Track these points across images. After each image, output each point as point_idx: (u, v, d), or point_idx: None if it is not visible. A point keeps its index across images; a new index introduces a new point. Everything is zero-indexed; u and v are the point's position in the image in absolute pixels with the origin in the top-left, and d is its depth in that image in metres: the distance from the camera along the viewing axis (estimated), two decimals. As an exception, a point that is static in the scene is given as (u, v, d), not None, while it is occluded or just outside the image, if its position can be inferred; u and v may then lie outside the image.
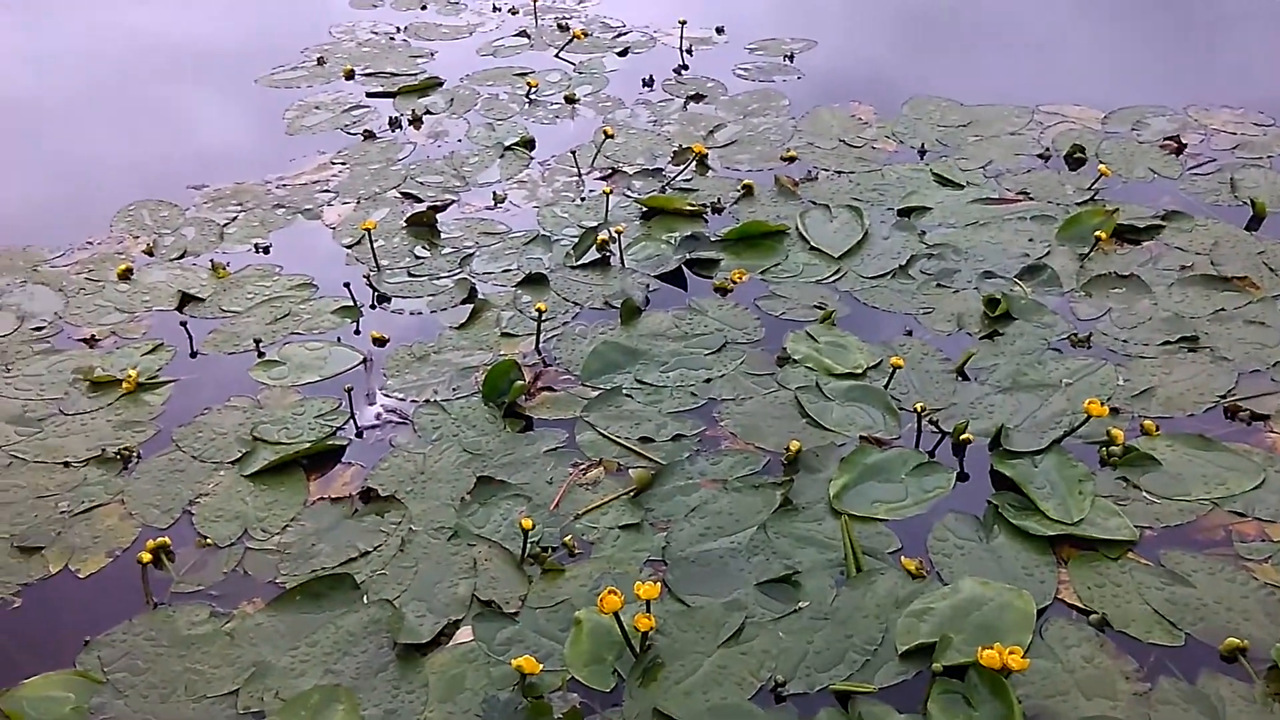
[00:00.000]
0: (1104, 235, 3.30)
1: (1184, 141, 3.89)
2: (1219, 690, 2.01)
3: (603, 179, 3.94)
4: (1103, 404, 2.54)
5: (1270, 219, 3.43)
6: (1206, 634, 2.12)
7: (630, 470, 2.59)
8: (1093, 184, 3.66)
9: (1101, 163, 3.74)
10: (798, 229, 3.53)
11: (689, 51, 5.01)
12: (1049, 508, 2.40)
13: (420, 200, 3.86)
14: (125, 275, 3.47)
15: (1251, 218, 3.45)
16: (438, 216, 3.71)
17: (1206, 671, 2.05)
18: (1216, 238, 3.34)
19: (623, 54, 5.05)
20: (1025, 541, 2.35)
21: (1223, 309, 3.02)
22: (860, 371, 2.87)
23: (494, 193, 3.88)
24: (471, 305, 3.24)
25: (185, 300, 3.36)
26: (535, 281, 3.35)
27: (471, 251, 3.54)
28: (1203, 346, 2.89)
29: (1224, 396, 2.71)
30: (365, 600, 2.32)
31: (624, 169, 3.99)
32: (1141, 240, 3.37)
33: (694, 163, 3.97)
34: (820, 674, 2.10)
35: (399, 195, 3.90)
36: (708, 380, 2.89)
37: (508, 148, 4.18)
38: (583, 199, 3.82)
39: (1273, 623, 2.13)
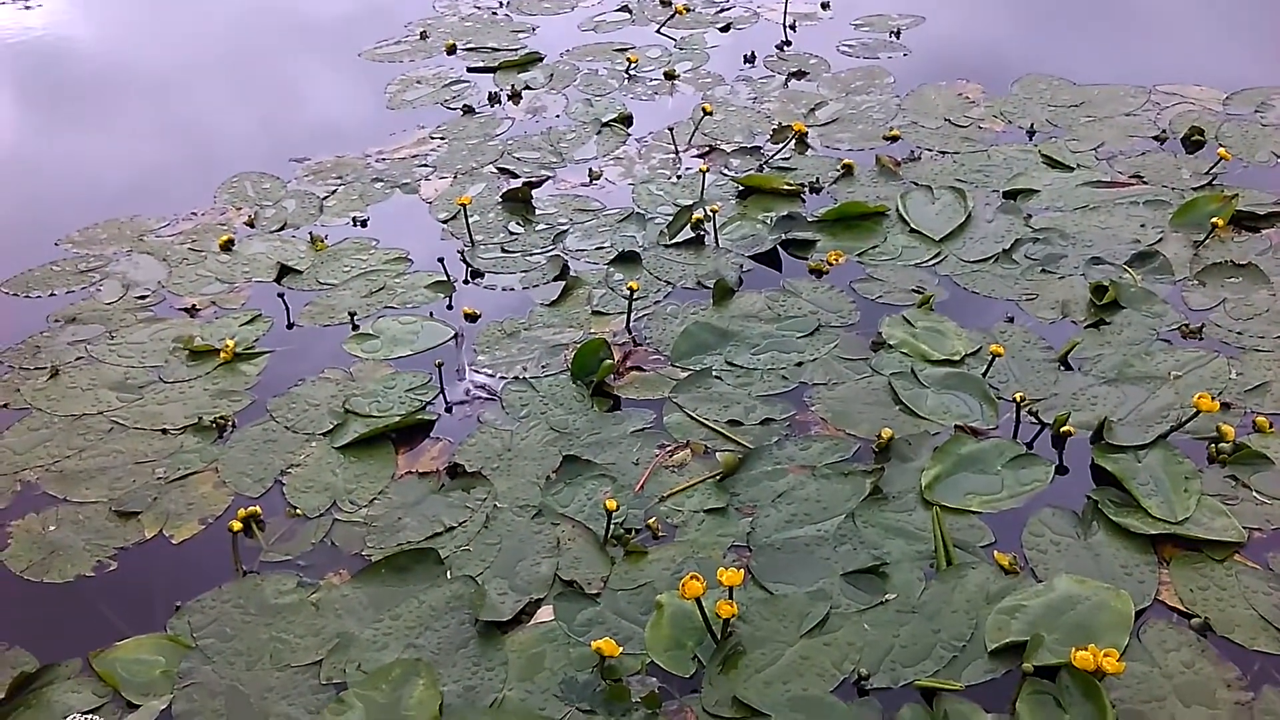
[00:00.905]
0: (1221, 222, 3.16)
1: (1312, 124, 3.71)
2: (1329, 704, 1.92)
3: (699, 157, 3.90)
4: (1213, 398, 2.44)
5: (1404, 207, 3.25)
6: (1316, 644, 2.02)
7: (717, 453, 2.56)
8: (1211, 168, 3.50)
9: (1221, 146, 3.58)
10: (898, 210, 3.44)
11: (792, 27, 4.93)
12: (1152, 505, 2.30)
13: (516, 176, 3.86)
14: (227, 246, 3.54)
15: (1385, 206, 3.27)
16: (533, 193, 3.71)
17: (1315, 683, 1.96)
18: (1344, 226, 3.18)
19: (725, 29, 4.99)
20: (1125, 539, 2.26)
21: (1348, 302, 2.87)
22: (958, 359, 2.79)
23: (590, 169, 3.87)
24: (563, 282, 3.24)
25: (284, 272, 3.42)
26: (628, 260, 3.32)
27: (565, 228, 3.53)
28: (1324, 341, 2.75)
29: (1346, 394, 2.58)
30: (449, 576, 2.33)
31: (721, 147, 3.95)
32: (1261, 228, 3.22)
33: (793, 141, 3.90)
34: (905, 669, 2.04)
35: (495, 171, 3.91)
36: (799, 364, 2.84)
37: (605, 124, 4.16)
38: (679, 177, 3.78)
39: (1391, 636, 2.02)
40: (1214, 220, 3.16)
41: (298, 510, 2.52)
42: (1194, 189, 3.42)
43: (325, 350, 3.06)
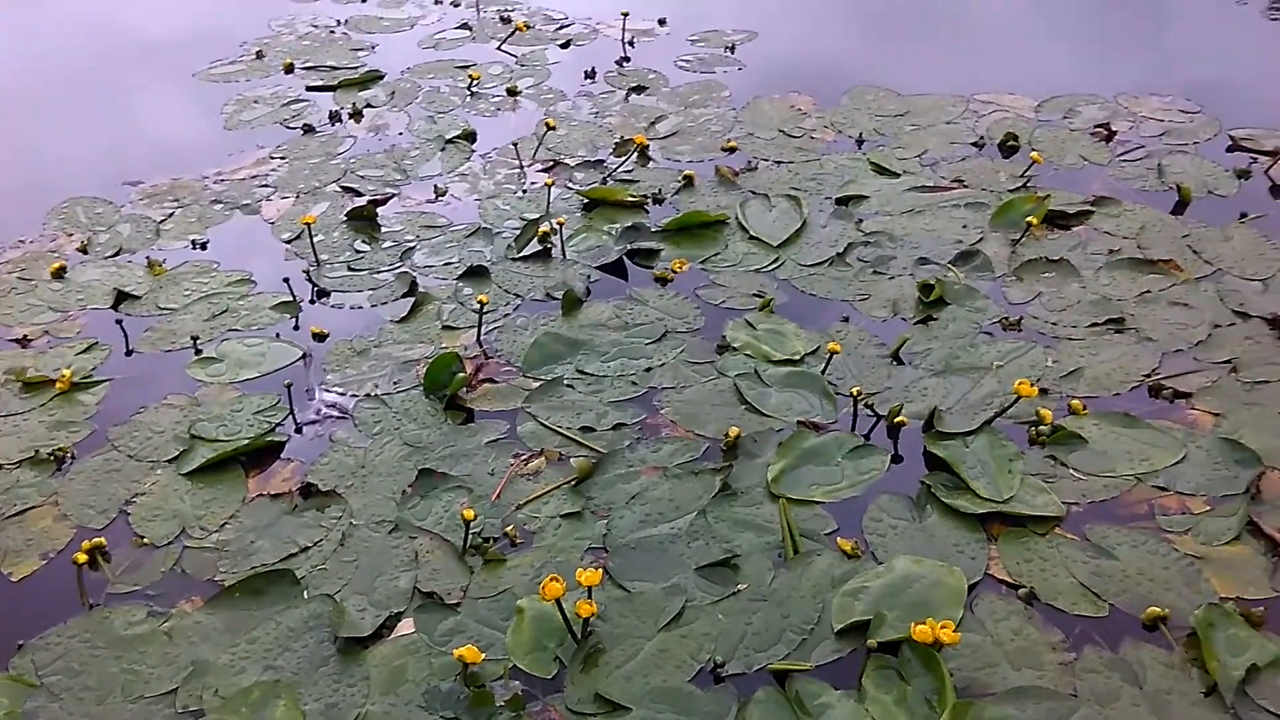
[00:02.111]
0: (1035, 221, 3.37)
1: (1114, 129, 3.97)
2: (1141, 658, 2.08)
3: (544, 171, 3.96)
4: (1032, 385, 2.62)
5: (1195, 204, 3.52)
6: (1129, 604, 2.19)
7: (572, 459, 2.62)
8: (1025, 171, 3.73)
9: (1034, 150, 3.81)
10: (737, 219, 3.57)
11: (631, 44, 5.03)
12: (980, 486, 2.45)
13: (360, 194, 3.86)
14: (59, 274, 3.44)
15: (1177, 203, 3.53)
16: (378, 210, 3.71)
17: (1129, 640, 2.12)
18: (1143, 222, 3.42)
19: (565, 46, 5.06)
20: (957, 520, 2.40)
21: (1148, 291, 3.10)
22: (798, 358, 2.92)
23: (435, 186, 3.88)
24: (413, 299, 3.25)
25: (121, 298, 3.34)
26: (477, 274, 3.36)
27: (412, 245, 3.55)
28: (1128, 328, 2.96)
29: (1148, 376, 2.79)
30: (306, 596, 2.33)
31: (566, 161, 4.01)
32: (1071, 225, 3.45)
33: (635, 154, 3.99)
34: (758, 654, 2.14)
35: (339, 189, 3.90)
36: (648, 369, 2.92)
37: (449, 141, 4.18)
38: (524, 191, 3.83)
39: (1192, 592, 2.20)
40: (1029, 220, 3.36)
41: (145, 539, 2.48)
42: (1010, 191, 3.63)
43: (168, 376, 3.01)
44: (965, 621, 2.16)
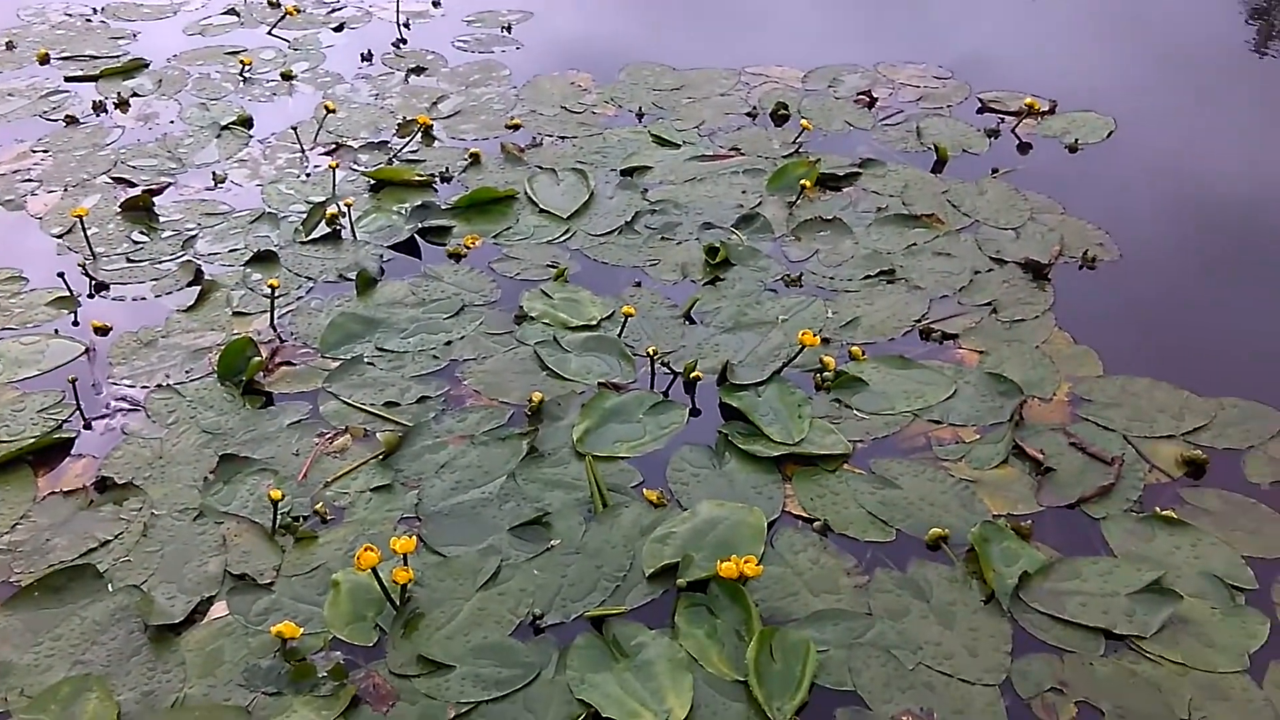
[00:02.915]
0: (809, 184, 3.56)
1: (875, 96, 4.22)
2: (926, 575, 2.25)
3: (327, 154, 3.91)
4: (815, 335, 2.79)
5: (951, 162, 3.78)
6: (914, 528, 2.37)
7: (378, 434, 2.62)
8: (796, 138, 3.92)
9: (803, 118, 4.01)
10: (526, 193, 3.62)
11: (406, 25, 5.00)
12: (773, 432, 2.59)
13: (134, 184, 3.72)
14: None
15: (936, 161, 3.79)
16: (155, 200, 3.59)
17: (915, 560, 2.30)
18: (906, 181, 3.65)
19: (338, 29, 4.99)
20: (753, 464, 2.54)
21: (914, 244, 3.32)
22: (595, 323, 3.00)
23: (213, 173, 3.78)
24: (199, 287, 3.17)
25: (-123, 303, 3.13)
26: (265, 259, 3.30)
27: (194, 233, 3.45)
28: (899, 278, 3.17)
29: (919, 321, 3.00)
30: (110, 588, 2.27)
31: (349, 143, 3.98)
32: (842, 187, 3.65)
33: (419, 134, 3.99)
34: (575, 604, 2.21)
35: (110, 180, 3.75)
36: (448, 343, 2.95)
37: (224, 127, 4.07)
38: (308, 175, 3.78)
39: (968, 512, 2.40)
40: (802, 183, 3.55)
41: (-72, 548, 2.36)
42: (784, 157, 3.81)
43: (-62, 380, 2.85)
44: (767, 556, 2.29)
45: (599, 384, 2.78)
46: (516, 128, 4.08)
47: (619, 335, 2.95)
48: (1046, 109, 4.07)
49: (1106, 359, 2.82)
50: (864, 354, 2.87)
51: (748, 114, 4.15)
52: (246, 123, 4.12)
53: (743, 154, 3.86)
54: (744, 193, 3.62)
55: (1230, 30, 4.93)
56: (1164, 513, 2.36)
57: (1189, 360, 2.85)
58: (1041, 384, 2.75)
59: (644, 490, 2.47)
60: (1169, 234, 3.42)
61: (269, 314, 3.03)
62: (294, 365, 2.88)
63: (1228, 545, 2.30)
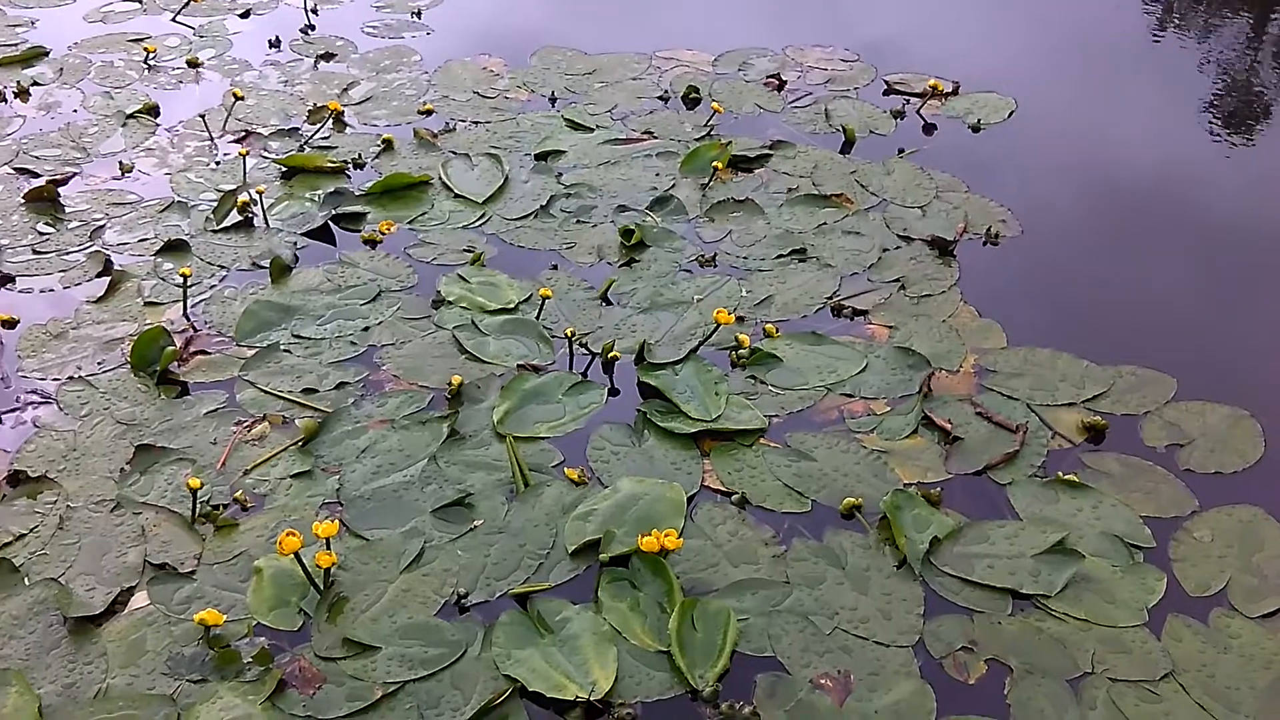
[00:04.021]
0: (721, 166, 3.61)
1: (784, 79, 4.28)
2: (841, 543, 2.32)
3: (237, 142, 3.87)
4: (730, 314, 2.84)
5: (859, 143, 3.86)
6: (828, 498, 2.43)
7: (297, 421, 2.62)
8: (708, 121, 3.97)
9: (714, 101, 4.06)
10: (441, 179, 3.62)
11: (314, 11, 4.95)
12: (690, 409, 2.64)
13: (37, 175, 3.64)
14: None
15: (844, 143, 3.87)
16: (60, 190, 3.52)
17: (830, 529, 2.36)
18: (816, 162, 3.72)
19: (244, 16, 4.92)
20: (672, 440, 2.59)
21: (825, 223, 3.39)
22: (513, 306, 3.02)
23: (120, 162, 3.72)
24: (109, 278, 3.12)
25: None
26: (176, 248, 3.26)
27: (102, 223, 3.40)
28: (810, 257, 3.24)
29: (830, 298, 3.07)
30: (27, 582, 2.24)
31: (258, 130, 3.93)
32: (753, 168, 3.71)
33: (330, 121, 3.96)
34: (499, 582, 2.24)
35: (12, 171, 3.66)
36: (366, 329, 2.95)
37: (130, 116, 4.00)
38: (217, 163, 3.74)
39: (880, 481, 2.47)
40: (715, 165, 3.60)
41: None
42: (696, 140, 3.86)
43: None
44: (687, 530, 2.34)
45: (518, 366, 2.81)
46: (429, 113, 4.07)
47: (537, 318, 2.97)
48: (950, 90, 4.17)
49: (1010, 331, 2.92)
50: (778, 331, 2.93)
51: (660, 98, 4.19)
52: (153, 111, 4.05)
53: (655, 137, 3.90)
54: (657, 175, 3.66)
55: (1129, 13, 5.09)
56: (1066, 477, 2.46)
57: (1089, 331, 2.95)
58: (948, 357, 2.83)
59: (565, 469, 2.50)
60: (1068, 210, 3.54)
61: (182, 303, 3.00)
62: (209, 354, 2.86)
63: (1127, 506, 2.40)
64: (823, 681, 2.04)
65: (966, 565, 2.26)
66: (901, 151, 3.79)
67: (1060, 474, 2.47)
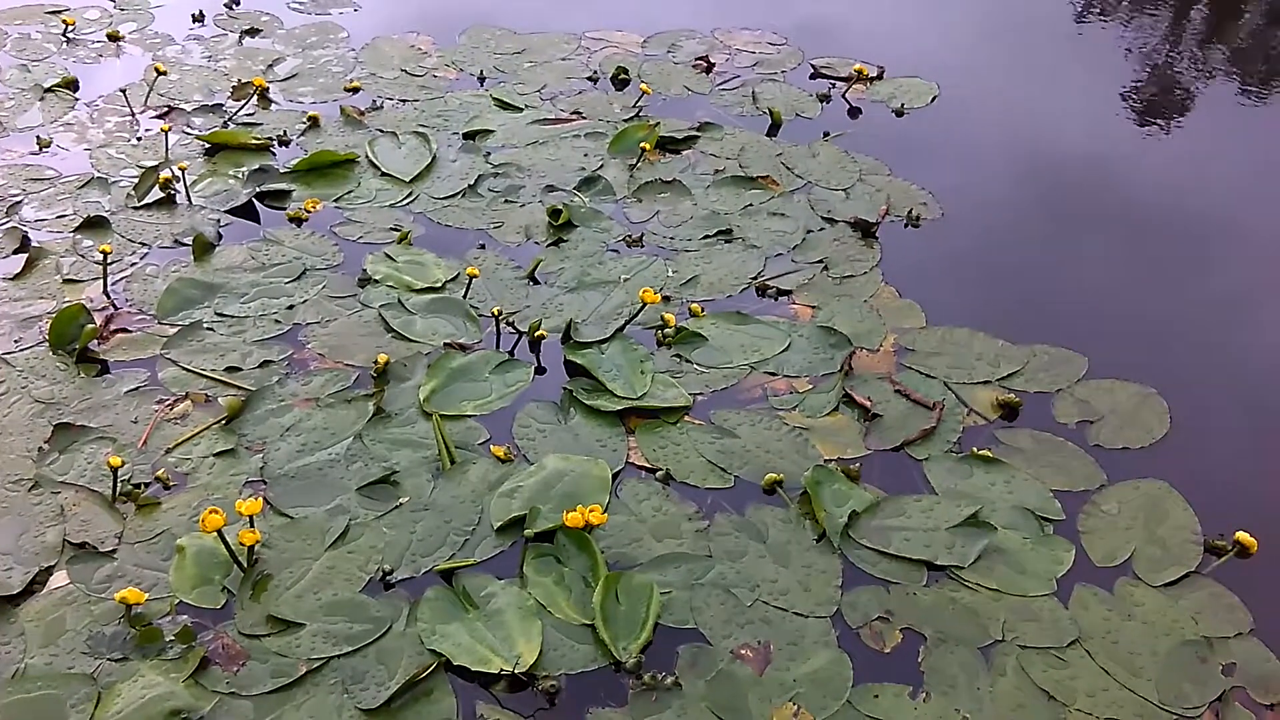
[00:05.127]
0: (649, 147, 3.63)
1: (712, 61, 4.31)
2: (763, 518, 2.37)
3: (159, 117, 3.81)
4: (656, 293, 2.86)
5: (785, 126, 3.91)
6: (751, 474, 2.48)
7: (220, 399, 2.60)
8: (636, 102, 3.99)
9: (643, 83, 4.08)
10: (367, 157, 3.60)
11: (239, -15, 4.87)
12: (616, 387, 2.67)
13: (-50, 149, 3.57)
14: None
15: (771, 125, 3.91)
16: (-26, 165, 3.45)
17: (753, 504, 2.41)
18: (743, 144, 3.76)
19: (167, -11, 4.83)
20: (598, 418, 2.61)
21: (750, 204, 3.43)
22: (439, 285, 3.02)
23: (38, 137, 3.64)
24: (25, 255, 3.07)
25: None
26: (96, 225, 3.21)
27: (19, 199, 3.33)
28: (736, 237, 3.28)
29: (755, 278, 3.11)
30: (-61, 564, 2.21)
31: (181, 106, 3.88)
32: (681, 150, 3.74)
33: (255, 97, 3.92)
34: (425, 558, 2.25)
35: (-77, 146, 3.59)
36: (291, 307, 2.93)
37: (48, 89, 3.92)
38: (139, 139, 3.68)
39: (802, 458, 2.52)
40: (643, 146, 3.62)
41: None
42: (624, 121, 3.88)
43: None
44: (612, 506, 2.37)
45: (445, 345, 2.81)
46: (356, 91, 4.04)
47: (464, 296, 2.98)
48: (875, 75, 4.23)
49: (929, 311, 2.98)
50: (703, 311, 2.96)
51: (588, 78, 4.19)
52: (72, 85, 3.98)
53: (584, 118, 3.91)
54: (586, 156, 3.68)
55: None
56: (981, 452, 2.53)
57: (1005, 311, 3.03)
58: (869, 336, 2.89)
59: (491, 446, 2.52)
60: (989, 193, 3.61)
61: (102, 281, 2.96)
62: (130, 332, 2.83)
63: (1038, 480, 2.48)
64: (743, 652, 2.08)
65: (884, 538, 2.31)
66: (827, 135, 3.84)
67: (975, 450, 2.54)
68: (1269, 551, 2.30)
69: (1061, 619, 2.17)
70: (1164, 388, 2.74)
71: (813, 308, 3.00)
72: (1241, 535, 2.30)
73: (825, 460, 2.52)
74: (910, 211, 3.40)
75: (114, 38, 4.35)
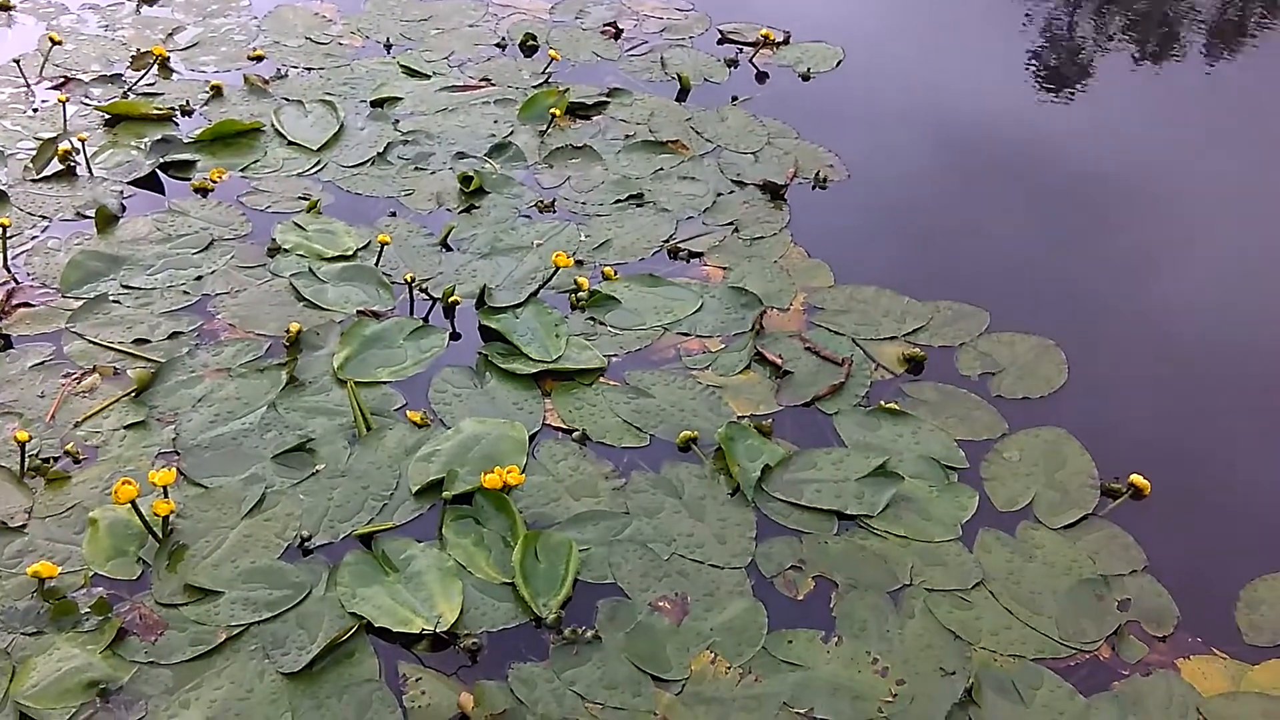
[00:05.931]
0: (559, 113, 3.64)
1: (620, 27, 4.33)
2: (679, 474, 2.41)
3: (56, 88, 3.71)
4: (569, 258, 2.88)
5: (694, 90, 3.95)
6: (666, 432, 2.52)
7: (129, 372, 2.57)
8: (545, 69, 3.99)
9: (551, 49, 4.08)
10: (273, 126, 3.56)
11: (134, -47, 4.75)
12: (531, 350, 2.69)
13: None
14: None
15: (679, 90, 3.94)
16: None
17: (668, 461, 2.45)
18: (652, 109, 3.79)
19: (59, -44, 4.69)
20: (514, 381, 2.63)
21: (661, 169, 3.47)
22: (351, 253, 3.01)
23: (-73, 109, 3.55)
24: (-81, 230, 2.99)
25: None
26: (-8, 199, 3.15)
27: (-90, 173, 3.24)
28: (647, 201, 3.31)
29: (667, 241, 3.15)
30: None
31: (79, 77, 3.79)
32: (591, 115, 3.76)
33: (155, 66, 3.84)
34: (343, 524, 2.26)
35: None
36: (199, 278, 2.90)
37: (-65, 61, 3.81)
38: (35, 110, 3.59)
39: (715, 415, 2.57)
40: (553, 112, 3.63)
41: None
42: (534, 87, 3.88)
43: None
44: (529, 467, 2.40)
45: (358, 312, 2.81)
46: (260, 59, 3.98)
47: (376, 264, 2.97)
48: (781, 40, 4.28)
49: (837, 271, 3.05)
50: (616, 274, 2.99)
51: (497, 45, 4.18)
52: (-39, 56, 3.86)
53: (493, 84, 3.91)
54: (496, 122, 3.67)
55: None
56: (888, 405, 2.60)
57: (910, 269, 3.11)
58: (779, 295, 2.95)
59: (407, 412, 2.53)
60: (893, 155, 3.69)
61: (1, 255, 2.89)
62: (33, 306, 2.77)
63: (943, 431, 2.56)
64: (661, 604, 2.13)
65: (796, 490, 2.37)
66: (735, 99, 3.89)
67: (882, 403, 2.61)
68: (1161, 493, 2.41)
69: (966, 562, 2.25)
70: (1063, 340, 2.84)
71: (724, 269, 3.05)
72: (1135, 478, 2.40)
73: (738, 417, 2.57)
74: (818, 174, 3.46)
75: (5, 7, 4.23)
